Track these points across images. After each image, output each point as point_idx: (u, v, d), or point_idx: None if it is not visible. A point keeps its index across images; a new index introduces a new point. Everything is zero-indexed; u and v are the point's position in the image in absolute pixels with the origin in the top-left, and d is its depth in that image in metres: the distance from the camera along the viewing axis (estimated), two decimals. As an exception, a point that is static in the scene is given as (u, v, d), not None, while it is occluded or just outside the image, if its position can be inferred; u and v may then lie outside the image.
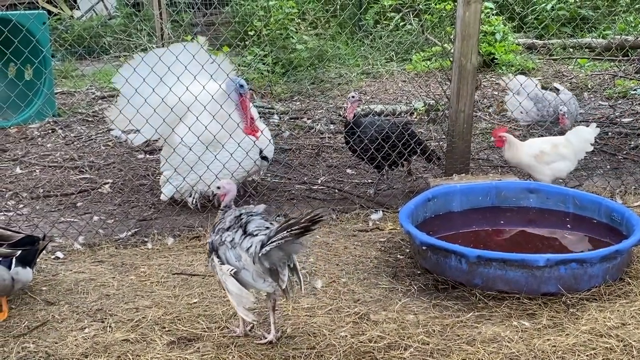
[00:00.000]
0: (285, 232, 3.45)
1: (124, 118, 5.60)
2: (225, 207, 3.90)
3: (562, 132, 6.70)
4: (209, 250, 3.79)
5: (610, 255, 4.21)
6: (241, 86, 5.42)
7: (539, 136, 6.83)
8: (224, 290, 3.73)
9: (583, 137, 5.70)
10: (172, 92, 5.38)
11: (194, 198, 5.71)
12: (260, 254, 3.52)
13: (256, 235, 3.60)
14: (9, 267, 4.09)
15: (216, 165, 5.49)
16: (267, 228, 3.63)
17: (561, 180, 5.80)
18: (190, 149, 5.46)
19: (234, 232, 3.67)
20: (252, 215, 3.75)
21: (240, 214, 3.77)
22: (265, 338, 3.78)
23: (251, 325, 3.87)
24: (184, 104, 5.47)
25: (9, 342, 3.80)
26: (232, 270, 3.60)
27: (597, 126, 5.83)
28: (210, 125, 5.43)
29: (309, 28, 11.32)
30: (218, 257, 3.68)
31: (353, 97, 5.98)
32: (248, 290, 3.62)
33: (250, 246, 3.57)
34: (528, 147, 5.64)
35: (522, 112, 7.04)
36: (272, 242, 3.48)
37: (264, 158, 5.79)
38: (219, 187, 4.01)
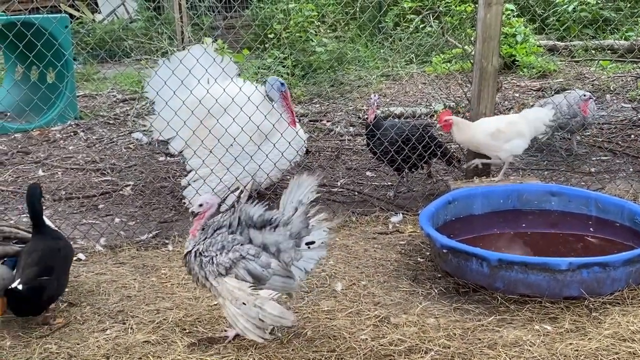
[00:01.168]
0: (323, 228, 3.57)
1: (162, 125, 5.72)
2: (205, 225, 3.70)
3: (584, 125, 6.67)
4: (215, 274, 3.58)
5: (633, 259, 4.15)
6: (281, 84, 5.78)
7: (560, 138, 6.79)
8: (239, 317, 3.58)
9: (538, 117, 5.76)
10: (208, 93, 5.53)
11: (244, 195, 5.82)
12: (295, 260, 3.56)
13: (274, 227, 3.56)
14: (14, 268, 4.04)
15: (265, 158, 5.69)
16: (270, 220, 3.58)
17: (519, 159, 5.77)
18: (242, 148, 5.59)
19: (248, 240, 3.57)
20: (241, 210, 3.64)
21: (230, 220, 3.63)
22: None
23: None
24: (221, 105, 5.57)
25: (32, 343, 3.83)
26: (272, 294, 3.54)
27: (553, 108, 6.00)
28: (261, 122, 5.65)
29: (328, 31, 11.32)
30: (236, 276, 3.54)
31: (374, 99, 6.00)
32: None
33: (279, 250, 3.55)
34: (483, 126, 5.60)
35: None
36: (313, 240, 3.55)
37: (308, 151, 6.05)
38: (200, 205, 3.74)
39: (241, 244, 3.60)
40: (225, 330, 3.83)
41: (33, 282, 3.85)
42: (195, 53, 5.80)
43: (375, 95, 6.13)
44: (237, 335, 3.75)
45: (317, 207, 3.69)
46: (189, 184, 5.81)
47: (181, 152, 5.85)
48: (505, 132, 5.57)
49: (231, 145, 5.58)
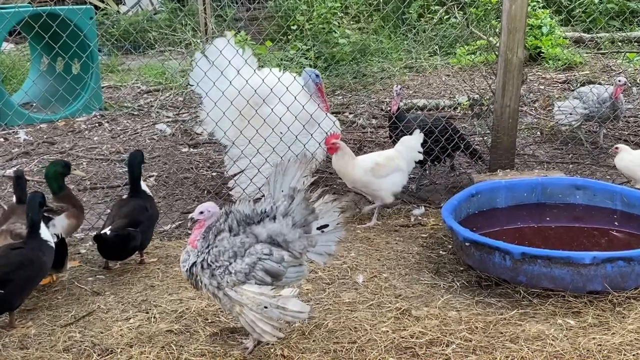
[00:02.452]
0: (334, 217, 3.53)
1: (211, 120, 5.82)
2: (205, 233, 3.54)
3: (615, 111, 6.55)
4: (234, 283, 3.43)
5: (659, 254, 4.11)
6: (316, 75, 5.89)
7: (586, 131, 6.70)
8: (257, 322, 3.46)
9: (411, 146, 5.49)
10: (263, 82, 5.70)
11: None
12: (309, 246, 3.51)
13: (274, 215, 3.47)
14: None
15: (312, 141, 5.78)
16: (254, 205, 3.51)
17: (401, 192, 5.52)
18: (280, 139, 5.67)
19: (255, 239, 3.46)
20: (231, 212, 3.52)
21: (229, 224, 3.50)
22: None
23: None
24: (260, 95, 5.71)
25: (56, 331, 3.88)
26: (294, 292, 3.46)
27: (422, 132, 5.59)
28: (304, 110, 5.75)
29: (351, 22, 11.28)
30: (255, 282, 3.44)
31: (396, 89, 5.99)
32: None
33: (286, 240, 3.47)
34: (361, 162, 5.30)
35: (571, 113, 6.94)
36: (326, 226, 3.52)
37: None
38: (201, 212, 3.56)
39: (252, 246, 3.46)
40: (242, 342, 3.71)
41: (121, 231, 4.44)
42: (219, 45, 5.84)
43: (398, 86, 6.10)
44: (256, 345, 3.65)
45: (319, 190, 3.59)
46: (238, 174, 5.86)
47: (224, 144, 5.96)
48: (384, 166, 5.30)
49: (282, 133, 5.71)
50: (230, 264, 3.43)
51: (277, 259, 3.46)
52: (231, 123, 5.71)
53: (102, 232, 4.44)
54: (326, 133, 5.72)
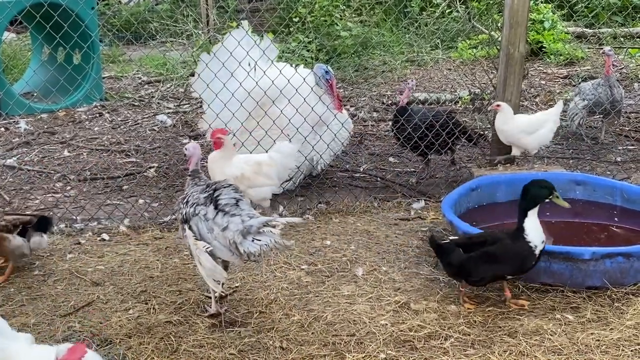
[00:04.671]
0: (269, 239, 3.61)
1: (212, 119, 5.77)
2: (194, 171, 4.08)
3: (611, 88, 6.50)
4: (181, 220, 3.91)
5: (658, 250, 4.11)
6: (326, 72, 5.87)
7: (587, 127, 6.68)
8: (195, 260, 3.84)
9: (286, 153, 5.11)
10: (272, 81, 5.69)
11: (298, 179, 5.94)
12: (239, 244, 3.62)
13: (232, 214, 3.71)
14: None
15: (320, 142, 5.82)
16: (237, 203, 3.77)
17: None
18: (297, 130, 5.69)
19: (207, 207, 3.79)
20: (222, 187, 3.86)
21: (209, 186, 3.92)
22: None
23: (225, 307, 3.97)
24: (283, 94, 5.72)
25: (55, 321, 3.89)
26: (207, 247, 3.71)
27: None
28: (315, 108, 5.77)
29: (353, 15, 11.25)
30: (190, 228, 3.80)
31: (412, 84, 6.11)
32: (216, 260, 3.74)
33: (226, 227, 3.68)
34: (233, 166, 4.89)
35: (576, 114, 6.95)
36: (255, 242, 3.61)
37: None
38: (187, 149, 4.19)
39: (200, 204, 3.82)
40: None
41: None
42: (237, 36, 5.87)
43: (413, 81, 6.15)
44: (213, 316, 3.91)
45: (280, 220, 3.76)
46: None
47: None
48: (249, 178, 4.89)
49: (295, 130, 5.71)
50: (184, 206, 3.90)
51: (208, 226, 3.74)
52: (240, 124, 5.68)
53: None
54: (334, 134, 5.80)
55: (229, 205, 3.77)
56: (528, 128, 5.57)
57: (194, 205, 3.82)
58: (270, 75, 5.74)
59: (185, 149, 4.22)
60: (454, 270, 4.04)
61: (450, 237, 4.25)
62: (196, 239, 3.76)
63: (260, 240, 3.62)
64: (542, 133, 5.60)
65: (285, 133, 5.68)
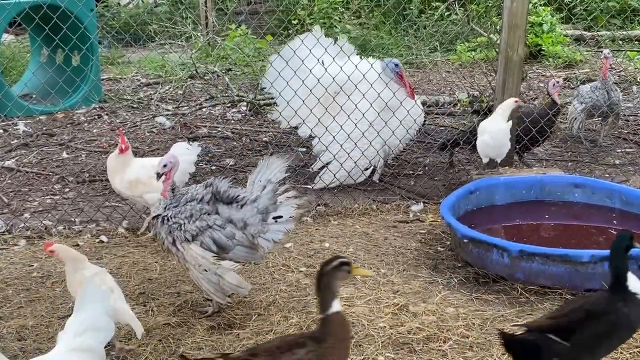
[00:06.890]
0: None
1: (289, 114, 6.10)
2: (174, 186, 3.84)
3: (608, 91, 6.55)
4: (182, 240, 3.75)
5: (657, 253, 4.10)
6: (395, 65, 6.02)
7: (586, 129, 6.68)
8: (201, 280, 3.81)
9: (183, 155, 4.71)
10: (342, 71, 5.94)
11: (377, 172, 6.20)
12: (264, 234, 3.76)
13: (241, 203, 3.77)
14: None
15: (388, 132, 6.04)
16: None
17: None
18: (370, 124, 5.92)
19: (217, 207, 3.78)
20: (214, 180, 3.84)
21: (203, 194, 3.81)
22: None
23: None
24: (338, 84, 5.95)
25: (53, 323, 3.89)
26: (235, 265, 3.78)
27: (200, 145, 5.18)
28: (386, 98, 5.97)
29: (352, 17, 11.26)
30: (201, 244, 3.75)
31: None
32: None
33: (245, 225, 3.75)
34: (130, 170, 4.72)
35: (575, 118, 6.97)
36: (277, 229, 3.79)
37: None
38: (165, 165, 3.79)
39: (208, 214, 3.77)
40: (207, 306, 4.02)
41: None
42: (313, 38, 6.18)
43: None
44: (216, 311, 3.94)
45: (286, 185, 3.91)
46: (324, 169, 6.10)
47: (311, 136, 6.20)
48: (146, 185, 4.66)
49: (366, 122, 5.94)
50: (184, 223, 3.76)
51: (227, 234, 3.76)
52: (318, 120, 6.00)
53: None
54: (413, 119, 6.02)
55: (232, 189, 3.80)
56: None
57: (201, 216, 3.75)
58: (350, 69, 5.97)
59: (165, 165, 3.79)
60: None
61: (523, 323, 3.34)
62: (217, 259, 3.76)
63: (281, 216, 3.76)
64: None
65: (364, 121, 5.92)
